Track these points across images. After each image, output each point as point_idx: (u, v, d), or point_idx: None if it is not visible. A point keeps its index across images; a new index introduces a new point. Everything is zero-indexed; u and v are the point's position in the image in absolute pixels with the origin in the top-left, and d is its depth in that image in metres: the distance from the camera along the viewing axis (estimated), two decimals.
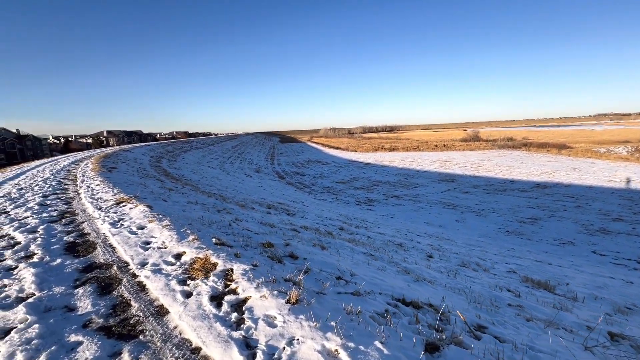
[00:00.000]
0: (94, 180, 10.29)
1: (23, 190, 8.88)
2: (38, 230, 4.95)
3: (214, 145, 68.66)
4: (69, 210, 6.34)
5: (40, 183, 10.29)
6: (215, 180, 24.56)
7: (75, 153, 29.95)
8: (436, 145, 71.87)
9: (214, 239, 4.13)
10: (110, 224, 5.04)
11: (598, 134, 77.95)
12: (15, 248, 4.15)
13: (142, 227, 4.77)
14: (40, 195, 8.03)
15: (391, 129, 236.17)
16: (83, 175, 11.83)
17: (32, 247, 4.14)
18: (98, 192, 7.94)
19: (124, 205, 6.20)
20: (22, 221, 5.50)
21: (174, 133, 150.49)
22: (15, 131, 73.41)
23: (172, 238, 4.11)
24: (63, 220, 5.52)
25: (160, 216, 5.29)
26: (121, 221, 5.18)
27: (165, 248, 3.85)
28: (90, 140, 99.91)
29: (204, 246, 3.78)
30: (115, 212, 5.76)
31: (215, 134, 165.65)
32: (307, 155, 71.09)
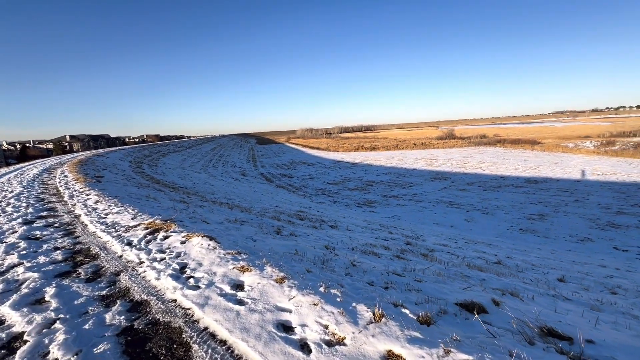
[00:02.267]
0: (87, 195, 7.79)
1: None
2: (46, 297, 2.74)
3: (192, 148, 64.55)
4: (78, 247, 4.06)
5: (12, 201, 7.61)
6: (208, 187, 22.00)
7: (42, 160, 25.86)
8: (415, 144, 72.34)
9: (410, 315, 2.22)
10: (174, 277, 2.93)
11: (560, 130, 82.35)
12: None
13: (238, 285, 2.73)
14: (21, 221, 5.54)
15: (367, 129, 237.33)
16: (67, 188, 9.17)
17: (56, 353, 2.01)
18: (107, 214, 5.60)
19: (167, 237, 4.05)
20: (11, 277, 3.22)
21: (145, 136, 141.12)
22: None
23: (329, 315, 2.15)
24: (81, 272, 3.29)
25: (246, 256, 3.26)
26: (187, 270, 3.08)
27: (350, 350, 1.90)
28: (51, 146, 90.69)
29: (441, 338, 1.88)
30: (161, 251, 3.62)
31: (188, 137, 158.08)
32: (289, 156, 68.77)
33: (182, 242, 3.78)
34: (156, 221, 4.72)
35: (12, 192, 9.23)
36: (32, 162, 24.52)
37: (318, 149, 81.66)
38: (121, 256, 3.64)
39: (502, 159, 42.62)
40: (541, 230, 17.90)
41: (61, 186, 9.70)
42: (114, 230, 4.61)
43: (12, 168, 19.50)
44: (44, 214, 6.15)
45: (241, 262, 3.11)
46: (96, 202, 6.85)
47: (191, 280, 2.88)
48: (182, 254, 3.48)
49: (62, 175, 12.87)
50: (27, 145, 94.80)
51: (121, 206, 6.15)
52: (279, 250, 3.77)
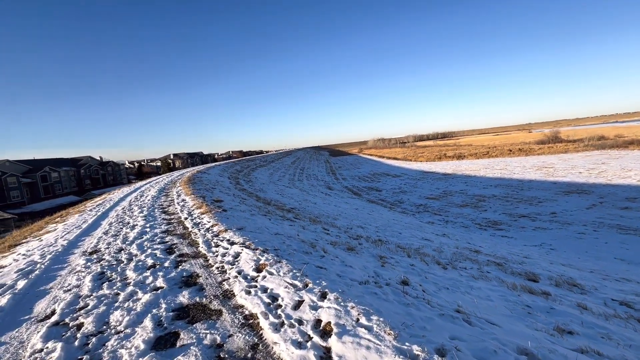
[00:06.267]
0: (229, 242, 4.97)
1: (106, 291, 3.71)
2: None
3: (275, 162, 65.29)
4: None
5: (133, 251, 5.18)
6: (312, 206, 19.13)
7: (156, 178, 26.69)
8: (510, 150, 61.77)
9: None
10: None
11: None
12: None
13: None
14: (150, 325, 2.75)
15: (444, 136, 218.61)
16: (195, 223, 6.72)
17: None
18: (314, 323, 2.47)
19: None
20: None
21: (231, 152, 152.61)
22: (98, 158, 76.58)
23: None
24: None
25: None
26: None
27: None
28: (159, 164, 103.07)
29: None
30: None
31: (266, 151, 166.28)
32: (368, 167, 64.78)
33: None
34: None
35: (133, 227, 7.14)
36: (147, 181, 25.33)
37: (395, 159, 76.10)
38: None
39: None
40: None
41: (186, 219, 7.37)
42: None
43: (132, 187, 19.62)
44: (183, 299, 3.30)
45: None
46: (256, 267, 3.82)
47: None
48: None
49: (180, 199, 11.06)
50: (142, 163, 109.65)
51: (309, 281, 2.97)
52: None
